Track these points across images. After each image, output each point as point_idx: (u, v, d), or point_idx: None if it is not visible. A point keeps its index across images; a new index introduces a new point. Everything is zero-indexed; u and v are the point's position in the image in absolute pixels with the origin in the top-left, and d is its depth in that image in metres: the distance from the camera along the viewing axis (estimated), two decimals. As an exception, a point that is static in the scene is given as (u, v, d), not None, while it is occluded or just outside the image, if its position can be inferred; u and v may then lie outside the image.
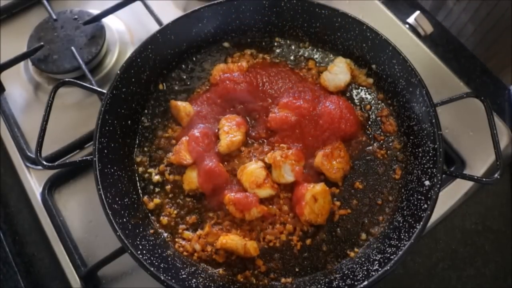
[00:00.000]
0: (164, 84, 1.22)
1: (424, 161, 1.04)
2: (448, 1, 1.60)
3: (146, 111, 1.19)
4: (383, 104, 1.19)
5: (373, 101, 1.20)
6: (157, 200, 1.08)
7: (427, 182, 1.00)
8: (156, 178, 1.10)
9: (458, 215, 1.16)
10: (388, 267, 0.91)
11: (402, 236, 0.96)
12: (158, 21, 1.34)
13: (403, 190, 1.08)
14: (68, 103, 1.30)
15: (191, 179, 1.07)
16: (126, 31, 1.43)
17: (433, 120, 1.02)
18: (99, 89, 1.09)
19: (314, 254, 1.03)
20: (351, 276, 0.96)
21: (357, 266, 0.98)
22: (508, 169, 1.22)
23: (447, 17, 1.65)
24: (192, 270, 0.99)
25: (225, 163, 1.09)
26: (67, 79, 1.08)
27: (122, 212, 0.99)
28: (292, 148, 1.10)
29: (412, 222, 0.97)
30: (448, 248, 1.14)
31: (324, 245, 1.04)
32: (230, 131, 1.09)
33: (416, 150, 1.08)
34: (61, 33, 1.36)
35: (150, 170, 1.11)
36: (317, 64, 1.25)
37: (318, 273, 1.01)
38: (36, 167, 1.20)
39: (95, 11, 1.38)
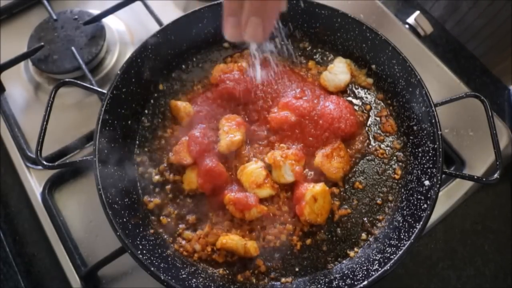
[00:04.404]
0: (164, 84, 1.22)
1: (424, 161, 1.04)
2: (462, 5, 1.58)
3: (146, 111, 1.19)
4: (383, 104, 1.19)
5: (373, 101, 1.20)
6: (157, 200, 1.08)
7: (427, 182, 1.00)
8: (156, 178, 1.10)
9: (458, 215, 1.16)
10: (388, 267, 0.91)
11: (402, 236, 0.96)
12: (158, 21, 1.34)
13: (403, 190, 1.08)
14: (68, 103, 1.30)
15: (191, 179, 1.07)
16: (126, 31, 1.43)
17: (433, 120, 1.02)
18: (99, 89, 1.09)
19: (314, 254, 1.03)
20: (351, 276, 0.96)
21: (357, 266, 0.99)
22: (508, 169, 1.22)
23: (460, 22, 1.64)
24: (192, 270, 0.99)
25: (225, 163, 1.09)
26: (67, 79, 1.08)
27: (122, 212, 0.99)
28: (292, 148, 1.10)
29: (412, 222, 0.97)
30: (448, 248, 1.14)
31: (324, 245, 1.04)
32: (230, 131, 1.09)
33: (416, 150, 1.09)
34: (61, 33, 1.36)
35: (150, 170, 1.11)
36: (317, 64, 1.25)
37: (318, 273, 1.01)
38: (36, 167, 1.20)
39: (95, 11, 1.38)
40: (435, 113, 1.02)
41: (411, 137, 1.11)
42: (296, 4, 1.20)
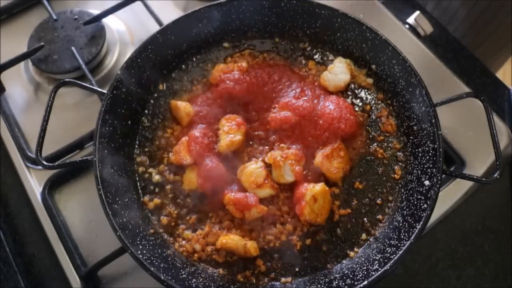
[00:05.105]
0: (164, 84, 1.22)
1: (424, 161, 1.04)
2: None
3: (146, 111, 1.19)
4: (383, 104, 1.19)
5: (373, 101, 1.20)
6: (157, 200, 1.08)
7: (427, 182, 1.00)
8: (156, 178, 1.10)
9: (458, 215, 1.16)
10: (388, 267, 0.91)
11: (402, 236, 0.96)
12: (158, 21, 1.34)
13: (403, 190, 1.08)
14: (68, 103, 1.30)
15: (191, 179, 1.07)
16: (126, 31, 1.44)
17: (433, 120, 1.02)
18: (99, 89, 1.09)
19: (314, 254, 1.03)
20: (351, 276, 0.96)
21: (357, 266, 0.99)
22: (508, 169, 1.22)
23: (439, 4, 1.65)
24: (192, 270, 0.99)
25: (225, 163, 1.09)
26: (67, 79, 1.08)
27: (122, 212, 0.99)
28: (292, 148, 1.10)
29: (412, 222, 0.97)
30: (448, 248, 1.14)
31: (324, 245, 1.04)
32: (230, 131, 1.09)
33: (416, 150, 1.09)
34: (61, 33, 1.36)
35: (150, 170, 1.11)
36: (317, 64, 1.25)
37: (318, 273, 1.01)
38: (36, 167, 1.20)
39: (95, 11, 1.38)
40: (435, 113, 1.02)
41: (411, 137, 1.11)
42: (296, 4, 1.21)
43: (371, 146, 1.14)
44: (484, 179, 0.97)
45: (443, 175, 0.98)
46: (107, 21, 1.41)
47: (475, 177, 0.98)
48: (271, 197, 1.06)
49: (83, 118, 1.27)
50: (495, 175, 0.95)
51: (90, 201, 1.15)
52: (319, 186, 1.03)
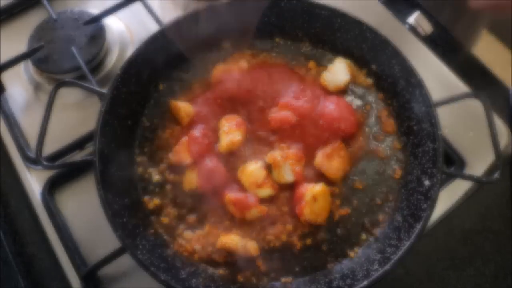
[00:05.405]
0: (164, 84, 1.22)
1: (424, 161, 1.04)
2: None
3: (146, 111, 1.19)
4: (383, 104, 1.19)
5: (373, 101, 1.20)
6: (157, 200, 1.08)
7: (427, 182, 1.00)
8: (156, 178, 1.10)
9: (458, 215, 1.16)
10: (388, 267, 0.91)
11: (402, 236, 0.96)
12: (158, 21, 1.34)
13: (403, 190, 1.08)
14: (68, 103, 1.30)
15: (191, 179, 1.07)
16: (126, 31, 1.43)
17: (433, 120, 1.02)
18: (99, 90, 1.09)
19: (314, 254, 1.03)
20: (351, 276, 0.96)
21: (357, 266, 0.99)
22: (508, 169, 1.22)
23: None
24: (192, 270, 0.99)
25: (225, 163, 1.09)
26: (67, 79, 1.08)
27: (122, 212, 0.99)
28: (292, 148, 1.10)
29: (412, 221, 0.97)
30: (448, 248, 1.14)
31: (324, 245, 1.04)
32: (230, 131, 1.10)
33: (416, 150, 1.09)
34: (62, 33, 1.36)
35: (150, 170, 1.11)
36: (317, 64, 1.25)
37: (318, 273, 1.01)
38: (36, 167, 1.20)
39: (95, 11, 1.38)
40: (435, 113, 1.02)
41: (411, 137, 1.11)
42: (296, 4, 1.20)
43: (371, 146, 1.14)
44: (484, 179, 0.97)
45: (443, 175, 0.98)
46: (107, 21, 1.41)
47: (475, 177, 0.98)
48: (271, 197, 1.06)
49: (83, 118, 1.27)
50: (495, 175, 0.95)
51: (90, 201, 1.14)
52: (319, 186, 1.03)
